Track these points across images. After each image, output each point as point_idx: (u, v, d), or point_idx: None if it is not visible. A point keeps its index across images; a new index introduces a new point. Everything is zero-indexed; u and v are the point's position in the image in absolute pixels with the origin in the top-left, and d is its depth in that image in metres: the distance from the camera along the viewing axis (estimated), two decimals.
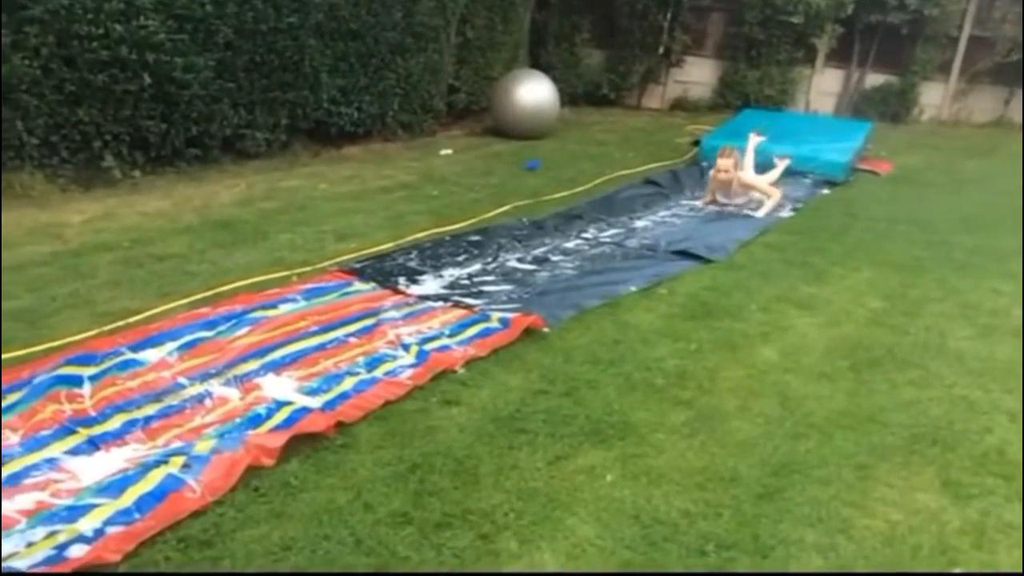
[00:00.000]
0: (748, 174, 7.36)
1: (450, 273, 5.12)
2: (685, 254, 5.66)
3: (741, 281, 5.23)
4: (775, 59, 13.54)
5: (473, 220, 6.32)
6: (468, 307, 4.48)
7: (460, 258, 5.41)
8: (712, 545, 2.66)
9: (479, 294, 4.78)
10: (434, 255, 5.40)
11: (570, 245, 5.90)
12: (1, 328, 3.68)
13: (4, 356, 3.57)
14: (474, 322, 4.24)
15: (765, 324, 4.58)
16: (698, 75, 14.14)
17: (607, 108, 13.38)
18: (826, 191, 8.26)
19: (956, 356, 4.30)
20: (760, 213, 6.97)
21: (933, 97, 14.12)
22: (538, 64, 11.99)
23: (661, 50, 13.62)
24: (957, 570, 2.65)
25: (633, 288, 4.94)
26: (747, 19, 13.37)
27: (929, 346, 4.42)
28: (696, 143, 9.73)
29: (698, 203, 7.44)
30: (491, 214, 6.52)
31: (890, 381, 3.96)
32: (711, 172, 7.33)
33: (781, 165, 7.86)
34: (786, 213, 7.17)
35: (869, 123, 10.81)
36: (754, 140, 8.02)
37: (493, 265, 5.33)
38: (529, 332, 4.14)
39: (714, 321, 4.56)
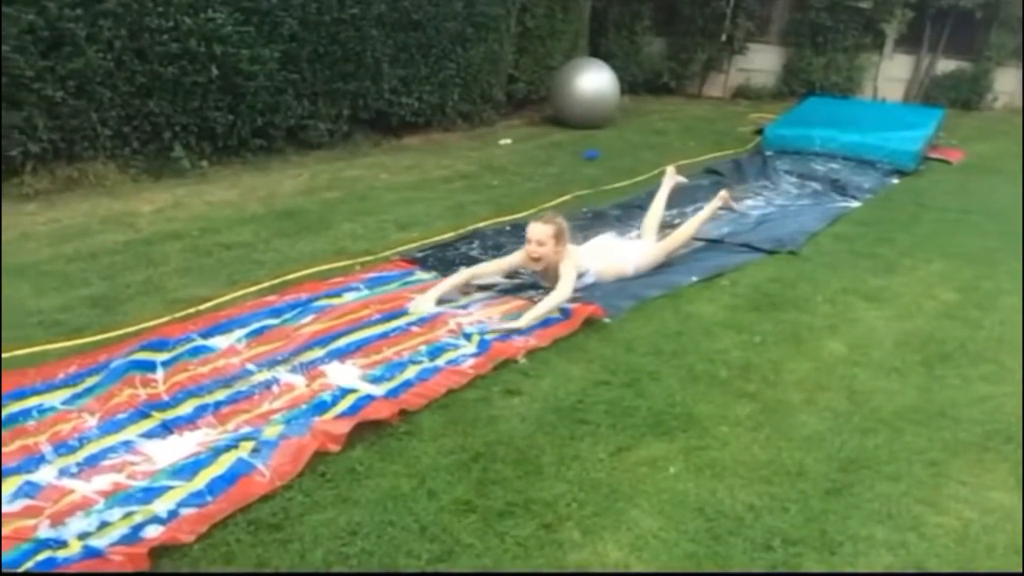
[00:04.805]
0: (572, 258, 4.46)
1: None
2: (751, 247, 5.54)
3: (807, 272, 5.13)
4: (842, 45, 13.24)
5: (533, 210, 6.28)
6: (529, 297, 4.48)
7: (521, 248, 5.39)
8: (778, 540, 2.63)
9: (540, 284, 4.77)
10: (495, 244, 5.40)
11: (631, 236, 5.85)
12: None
13: (81, 340, 3.70)
14: None
15: (832, 316, 4.49)
16: (761, 62, 13.86)
17: (668, 97, 13.21)
18: (895, 180, 8.05)
19: None
20: (521, 322, 4.05)
21: (1007, 83, 13.70)
22: (598, 53, 11.88)
23: (723, 37, 13.37)
24: None
25: (695, 279, 4.87)
26: (813, 4, 13.10)
27: (1004, 340, 4.29)
28: (759, 132, 9.57)
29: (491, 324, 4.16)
30: (551, 204, 6.49)
31: (963, 376, 3.85)
32: (524, 251, 4.48)
33: (714, 203, 5.59)
34: (854, 203, 7.00)
35: (941, 110, 10.50)
36: (671, 180, 5.78)
37: None
38: (590, 322, 4.13)
39: (779, 313, 4.49)
